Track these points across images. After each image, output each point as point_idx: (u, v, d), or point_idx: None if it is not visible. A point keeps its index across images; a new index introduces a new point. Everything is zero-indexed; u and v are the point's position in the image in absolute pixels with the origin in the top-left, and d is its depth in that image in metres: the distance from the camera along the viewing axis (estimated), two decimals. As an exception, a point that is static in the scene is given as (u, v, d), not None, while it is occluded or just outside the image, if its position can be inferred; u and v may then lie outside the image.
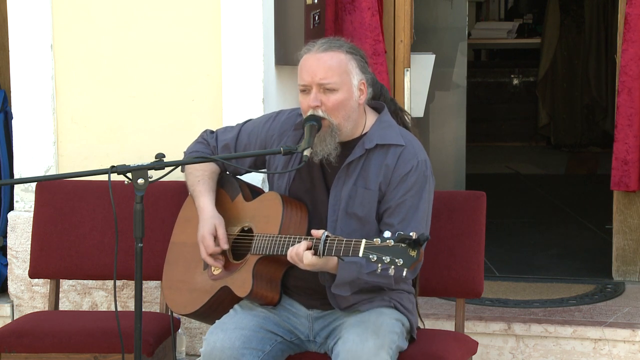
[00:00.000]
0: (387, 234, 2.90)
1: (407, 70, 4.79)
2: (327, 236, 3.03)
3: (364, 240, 2.94)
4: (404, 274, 2.89)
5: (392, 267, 2.88)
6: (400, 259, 2.87)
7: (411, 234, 2.87)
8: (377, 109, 3.37)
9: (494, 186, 6.94)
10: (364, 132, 3.30)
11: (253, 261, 3.27)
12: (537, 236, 6.25)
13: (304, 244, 3.07)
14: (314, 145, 3.21)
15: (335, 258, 3.12)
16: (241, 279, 3.28)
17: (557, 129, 9.42)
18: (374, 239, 2.91)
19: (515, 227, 6.51)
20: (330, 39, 3.29)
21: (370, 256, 2.90)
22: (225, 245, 3.36)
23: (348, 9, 4.64)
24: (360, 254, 2.93)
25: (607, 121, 8.83)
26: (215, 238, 3.36)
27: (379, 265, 2.89)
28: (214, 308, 3.39)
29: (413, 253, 2.87)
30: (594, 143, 9.18)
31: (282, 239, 3.19)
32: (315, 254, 3.04)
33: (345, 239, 3.00)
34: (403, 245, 2.87)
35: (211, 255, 3.35)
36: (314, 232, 3.07)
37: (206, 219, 3.38)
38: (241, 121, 3.60)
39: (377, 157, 3.26)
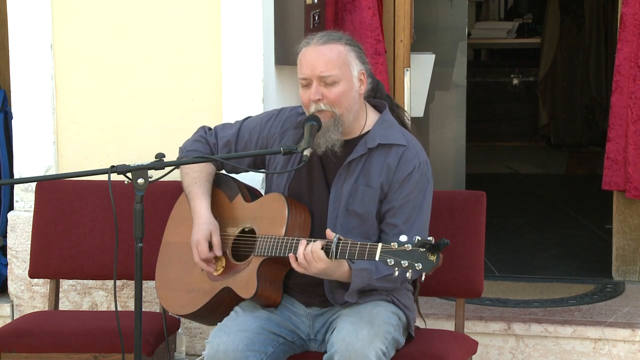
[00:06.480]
0: (403, 238, 2.89)
1: (407, 70, 4.79)
2: (339, 239, 3.02)
3: (380, 244, 2.93)
4: (423, 278, 2.89)
5: (410, 271, 2.87)
6: (420, 264, 2.86)
7: (430, 238, 2.87)
8: (379, 108, 3.38)
9: (494, 186, 6.95)
10: (366, 129, 3.31)
11: (257, 262, 3.26)
12: (537, 236, 6.25)
13: (318, 242, 3.06)
14: (317, 137, 3.21)
15: (347, 265, 3.12)
16: (245, 280, 3.28)
17: (557, 129, 9.42)
18: (391, 243, 2.90)
19: (515, 227, 6.51)
20: (329, 32, 3.30)
21: (388, 260, 2.89)
22: (219, 253, 3.36)
23: (349, 8, 4.65)
24: (377, 258, 2.92)
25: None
26: (210, 244, 3.36)
27: (396, 269, 2.88)
28: (213, 309, 3.38)
29: (432, 257, 2.86)
30: (594, 143, 9.17)
31: (288, 240, 3.18)
32: (327, 256, 3.04)
33: (359, 242, 2.99)
34: (422, 249, 2.86)
35: (204, 260, 3.36)
36: (329, 232, 3.05)
37: (201, 224, 3.38)
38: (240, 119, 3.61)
39: (378, 156, 3.27)
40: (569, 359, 4.25)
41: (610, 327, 4.23)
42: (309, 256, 3.07)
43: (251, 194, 3.49)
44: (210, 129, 3.60)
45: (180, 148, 3.61)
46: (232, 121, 3.65)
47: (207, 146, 3.55)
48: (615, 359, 4.21)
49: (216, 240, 3.36)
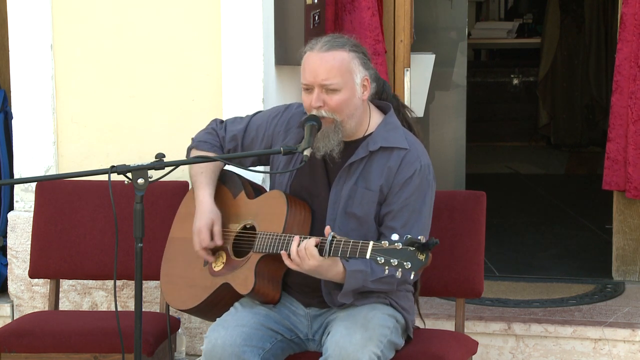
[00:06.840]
0: (394, 236, 2.89)
1: (407, 70, 4.79)
2: (333, 237, 3.02)
3: (371, 242, 2.93)
4: (412, 277, 2.89)
5: (400, 270, 2.87)
6: (409, 262, 2.85)
7: (420, 237, 2.86)
8: (383, 109, 3.37)
9: (494, 186, 6.94)
10: (369, 132, 3.30)
11: (256, 259, 3.27)
12: (537, 236, 6.25)
13: (312, 240, 3.06)
14: (317, 140, 3.21)
15: (341, 266, 3.12)
16: (243, 276, 3.29)
17: (557, 129, 9.41)
18: (382, 242, 2.90)
19: (515, 227, 6.51)
20: (333, 37, 3.27)
21: (378, 258, 2.89)
22: (219, 242, 3.37)
23: (348, 8, 4.64)
24: (368, 256, 2.92)
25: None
26: (211, 233, 3.36)
27: (386, 267, 2.88)
28: (214, 304, 3.39)
29: (421, 257, 2.86)
30: (594, 143, 9.17)
31: (286, 237, 3.19)
32: (320, 254, 3.04)
33: (352, 240, 2.99)
34: (411, 248, 2.86)
35: (204, 249, 3.36)
36: (327, 229, 3.05)
37: (204, 212, 3.39)
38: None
39: (379, 159, 3.26)
40: (569, 359, 4.25)
41: (610, 327, 4.23)
42: (302, 253, 3.07)
43: (255, 190, 3.50)
44: (222, 121, 3.62)
45: (192, 138, 3.62)
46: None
47: (217, 139, 3.56)
48: (615, 359, 4.21)
49: (217, 230, 3.37)
